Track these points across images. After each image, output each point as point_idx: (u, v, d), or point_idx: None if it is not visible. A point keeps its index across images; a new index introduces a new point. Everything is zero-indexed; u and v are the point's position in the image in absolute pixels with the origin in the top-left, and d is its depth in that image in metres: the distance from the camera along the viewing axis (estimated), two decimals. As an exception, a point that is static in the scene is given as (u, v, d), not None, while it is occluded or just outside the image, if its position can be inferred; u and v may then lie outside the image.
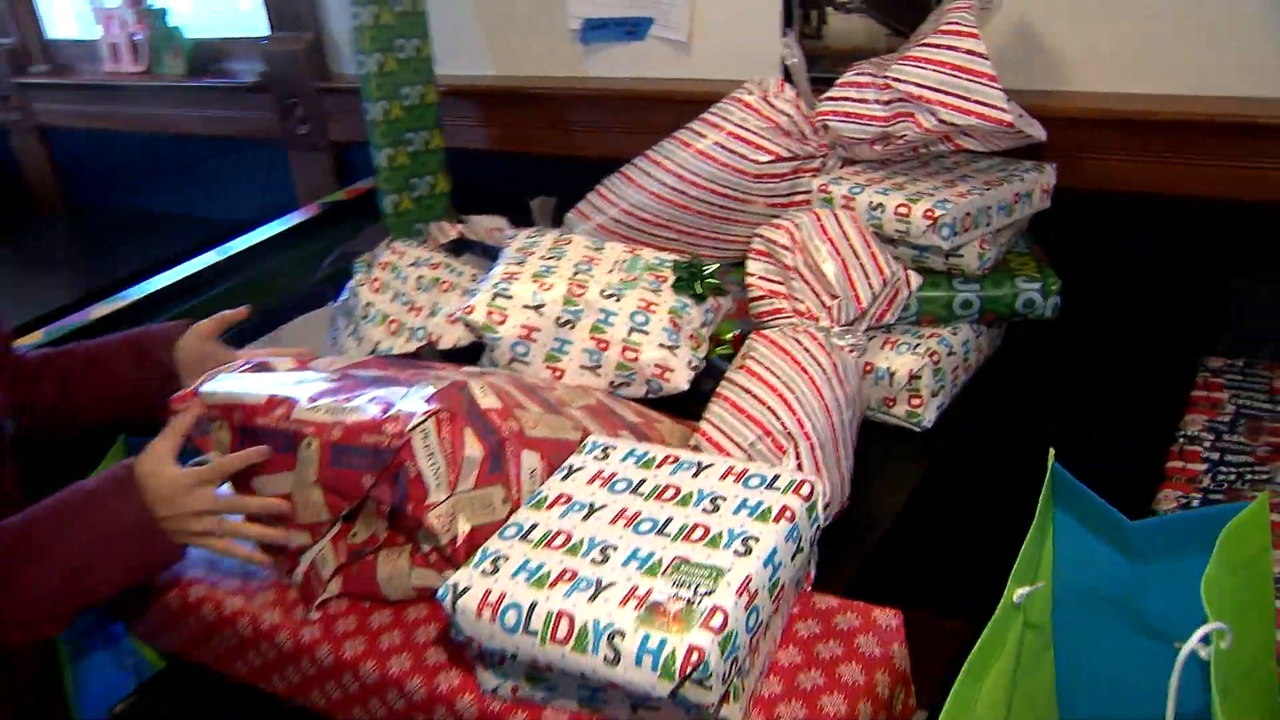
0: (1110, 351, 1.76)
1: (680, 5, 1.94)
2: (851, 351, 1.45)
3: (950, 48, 1.47)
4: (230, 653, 1.25)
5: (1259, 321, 1.71)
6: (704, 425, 1.32)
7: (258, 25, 2.57)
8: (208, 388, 1.24)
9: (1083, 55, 1.65)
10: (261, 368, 1.31)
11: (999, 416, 1.71)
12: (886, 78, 1.54)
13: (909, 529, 1.41)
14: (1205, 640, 0.83)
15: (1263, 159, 1.53)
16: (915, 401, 1.51)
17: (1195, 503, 1.42)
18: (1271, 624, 0.97)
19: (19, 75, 3.18)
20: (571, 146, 2.14)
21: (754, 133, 1.67)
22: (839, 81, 1.63)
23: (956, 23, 1.48)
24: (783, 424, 1.29)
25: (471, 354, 1.56)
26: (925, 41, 1.50)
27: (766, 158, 1.66)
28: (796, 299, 1.47)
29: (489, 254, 2.00)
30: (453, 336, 1.69)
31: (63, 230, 3.21)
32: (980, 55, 1.45)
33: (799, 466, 1.27)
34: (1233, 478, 1.46)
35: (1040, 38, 1.66)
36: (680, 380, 1.44)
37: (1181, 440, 1.53)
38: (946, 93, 1.46)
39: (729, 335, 1.59)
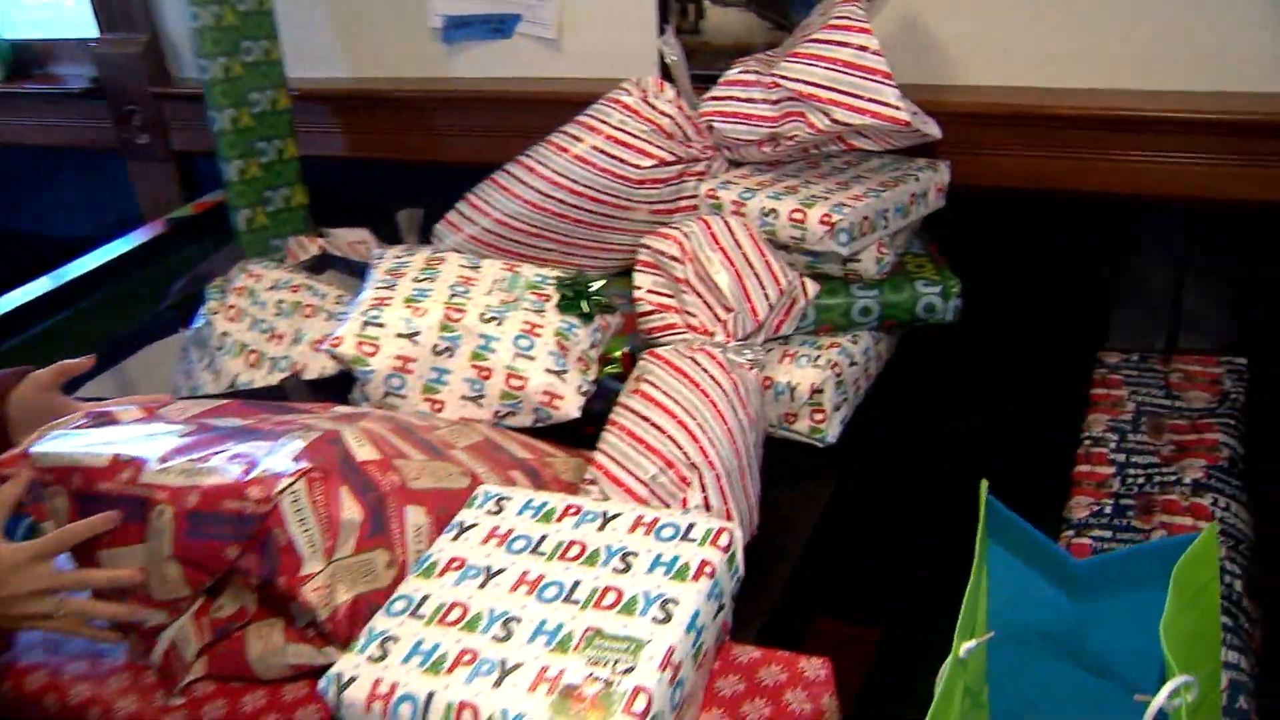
0: (1007, 348, 1.72)
1: (549, 1, 1.83)
2: (751, 369, 1.37)
3: (841, 44, 1.40)
4: (80, 745, 1.11)
5: (1150, 313, 1.69)
6: (600, 458, 1.23)
7: (85, 26, 2.37)
8: (40, 448, 1.10)
9: (972, 48, 1.59)
10: (103, 420, 1.16)
11: (901, 423, 1.65)
12: (774, 76, 1.45)
13: (821, 547, 1.34)
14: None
15: (1153, 151, 1.50)
16: (818, 416, 1.43)
17: (1108, 509, 1.38)
18: (1217, 650, 0.92)
19: None
20: (437, 152, 2.01)
21: (634, 135, 1.57)
22: (723, 80, 1.54)
23: (847, 17, 1.41)
24: (685, 454, 1.20)
25: (340, 384, 1.44)
26: (814, 37, 1.43)
27: (649, 162, 1.56)
28: (689, 313, 1.38)
29: (353, 270, 1.87)
30: (318, 365, 1.56)
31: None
32: (873, 51, 1.38)
33: (705, 498, 1.18)
34: (1141, 480, 1.42)
35: (928, 29, 1.60)
36: (570, 408, 1.34)
37: (1087, 442, 1.49)
38: (839, 91, 1.39)
39: (618, 353, 1.49)
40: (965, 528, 0.97)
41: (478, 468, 1.13)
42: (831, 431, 1.44)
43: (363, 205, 2.19)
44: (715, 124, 1.53)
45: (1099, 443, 1.49)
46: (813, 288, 1.44)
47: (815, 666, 0.99)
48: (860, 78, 1.38)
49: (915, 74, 1.61)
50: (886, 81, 1.36)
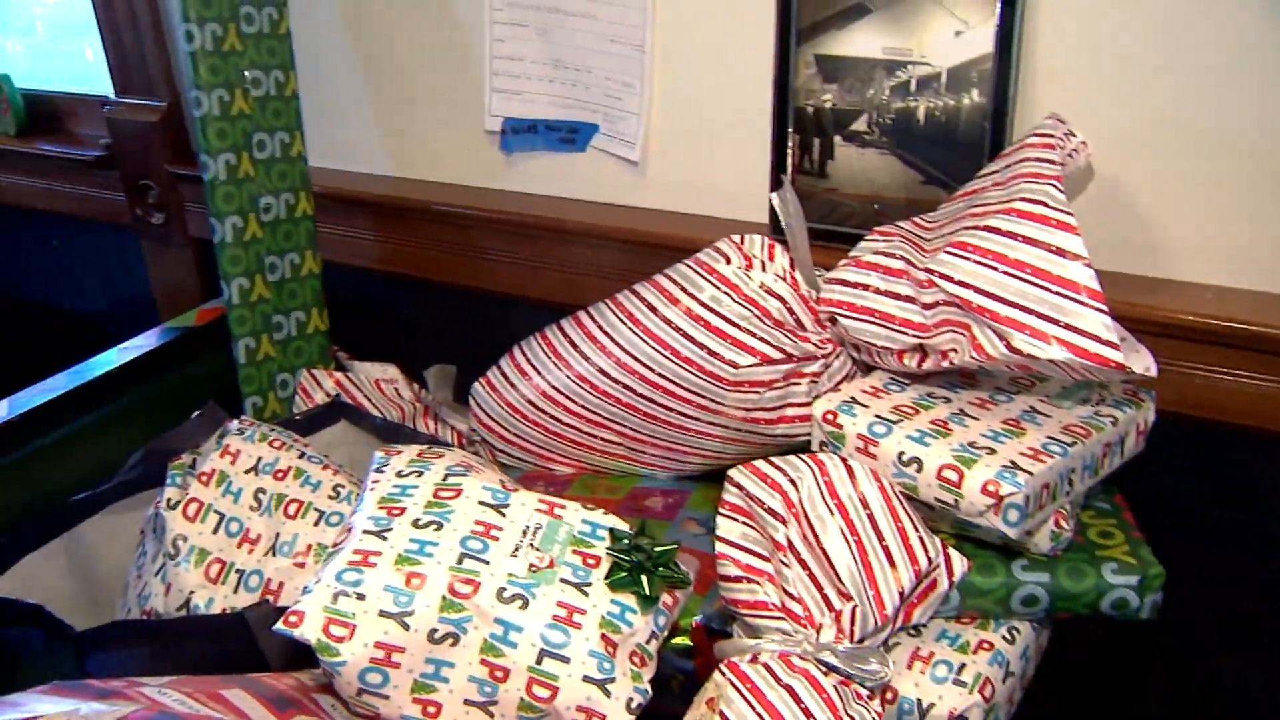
0: (1206, 643, 1.30)
1: (633, 112, 1.45)
2: (872, 698, 0.97)
3: (1030, 240, 1.00)
4: None
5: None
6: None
7: (103, 81, 2.04)
8: None
9: (1180, 237, 1.18)
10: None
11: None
12: (929, 271, 1.06)
13: None
14: None
15: None
16: (957, 755, 1.03)
17: None
18: None
19: None
20: (483, 279, 1.64)
21: (730, 321, 1.19)
22: (856, 259, 1.15)
23: (1041, 202, 1.01)
24: None
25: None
26: (991, 224, 1.03)
27: (749, 360, 1.18)
28: (788, 592, 0.99)
29: (371, 428, 1.51)
30: (297, 586, 1.20)
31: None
32: (1075, 256, 0.98)
33: None
34: None
35: (1128, 205, 1.20)
36: (614, 732, 0.95)
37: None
38: (1024, 309, 0.99)
39: (688, 621, 1.11)
40: None
41: None
42: (974, 775, 1.03)
43: (391, 326, 1.83)
44: (841, 319, 1.14)
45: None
46: (960, 565, 1.04)
47: None
48: (1056, 294, 0.98)
49: (1108, 257, 1.21)
50: (1095, 304, 0.96)
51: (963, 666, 1.04)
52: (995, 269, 1.00)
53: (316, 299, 1.63)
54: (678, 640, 1.11)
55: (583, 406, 1.30)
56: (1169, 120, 1.15)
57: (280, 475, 1.28)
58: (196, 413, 1.35)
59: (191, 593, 1.20)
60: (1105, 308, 0.96)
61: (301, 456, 1.30)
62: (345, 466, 1.34)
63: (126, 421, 1.64)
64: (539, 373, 1.34)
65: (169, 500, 1.23)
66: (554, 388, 1.32)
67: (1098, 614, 1.07)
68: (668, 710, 1.10)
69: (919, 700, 1.03)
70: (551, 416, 1.33)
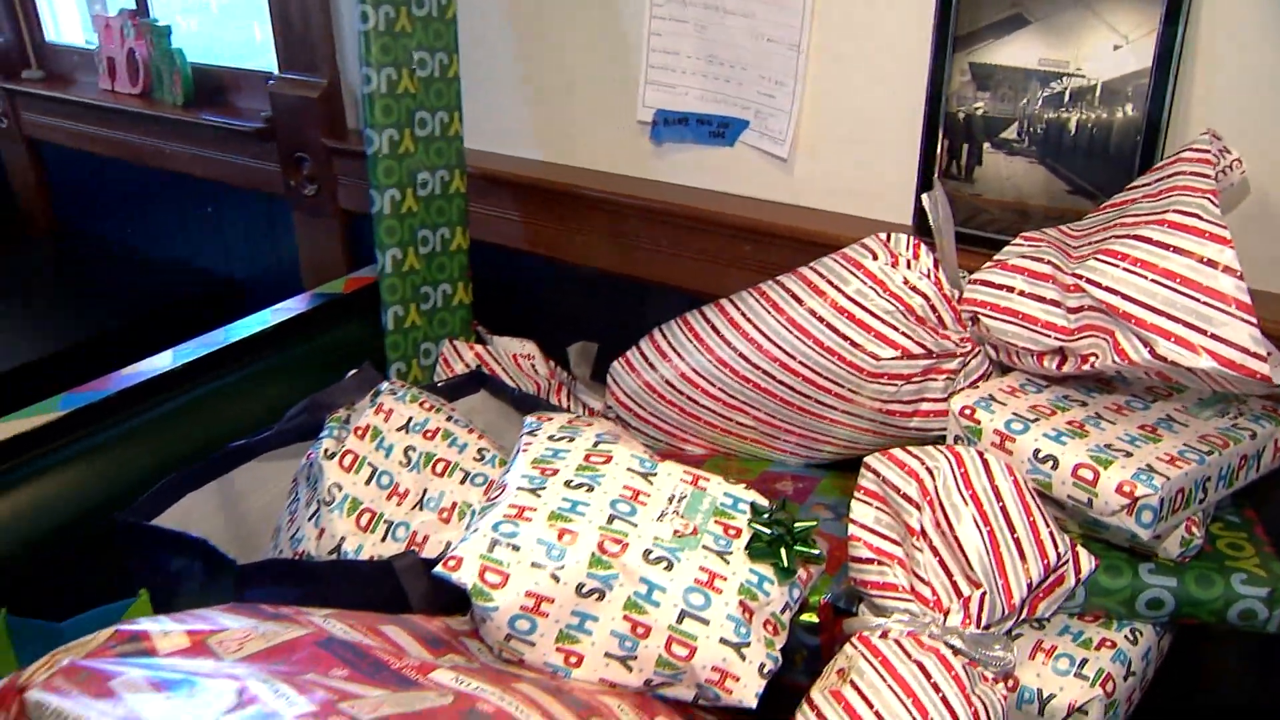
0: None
1: (783, 109, 1.50)
2: (998, 681, 1.00)
3: (1181, 250, 1.02)
4: None
5: None
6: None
7: (269, 58, 2.14)
8: (35, 695, 0.81)
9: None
10: (135, 647, 0.88)
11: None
12: (1076, 275, 1.09)
13: None
14: None
15: None
16: (1076, 745, 1.06)
17: None
18: None
19: (11, 80, 2.78)
20: (626, 264, 1.70)
21: (874, 315, 1.23)
22: (1002, 261, 1.18)
23: (1195, 214, 1.03)
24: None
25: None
26: (1141, 234, 1.05)
27: (890, 353, 1.21)
28: (919, 576, 1.03)
29: (510, 398, 1.57)
30: (440, 541, 1.27)
31: (49, 256, 2.81)
32: (1227, 269, 1.00)
33: None
34: None
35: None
36: (746, 694, 1.00)
37: None
38: (1170, 318, 1.01)
39: (817, 599, 1.15)
40: None
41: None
42: (1091, 769, 1.06)
43: (529, 305, 1.90)
44: (984, 319, 1.17)
45: None
46: (1089, 564, 1.07)
47: None
48: (1204, 304, 1.00)
49: (1260, 276, 1.22)
50: (1244, 316, 0.98)
51: (1085, 661, 1.07)
52: (1145, 277, 1.03)
53: (463, 273, 1.70)
54: (805, 617, 1.15)
55: (721, 390, 1.34)
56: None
57: (429, 435, 1.34)
58: (353, 372, 1.42)
59: (343, 539, 1.27)
60: (1254, 320, 0.98)
61: (449, 420, 1.37)
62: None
63: (275, 379, 1.73)
64: (679, 355, 1.38)
65: (326, 450, 1.31)
66: (694, 370, 1.36)
67: (1224, 623, 1.09)
68: (791, 683, 1.14)
69: (1040, 690, 1.06)
70: (688, 398, 1.38)
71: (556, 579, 1.00)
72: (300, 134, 2.06)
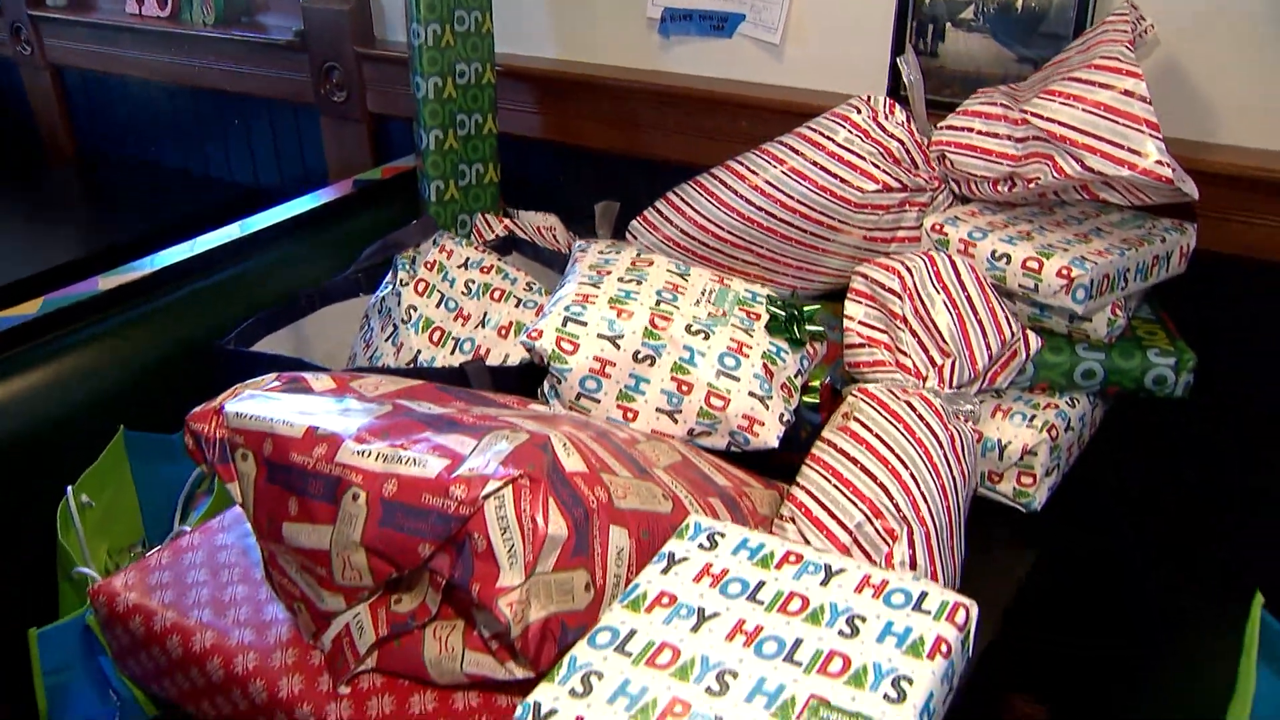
0: (1234, 435, 1.58)
1: (775, 2, 1.76)
2: (966, 421, 1.28)
3: (1105, 86, 1.29)
4: (237, 715, 1.07)
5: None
6: (799, 494, 1.15)
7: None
8: (234, 406, 1.06)
9: (1235, 105, 1.47)
10: (296, 386, 1.13)
11: (1109, 501, 1.53)
12: (1023, 112, 1.36)
13: (1017, 624, 1.25)
14: None
15: None
16: (1026, 480, 1.33)
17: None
18: None
19: (34, 7, 2.98)
20: (637, 146, 1.95)
21: (860, 156, 1.49)
22: (963, 109, 1.45)
23: (1115, 58, 1.30)
24: (895, 505, 1.12)
25: (520, 375, 1.39)
26: (1074, 75, 1.32)
27: (873, 186, 1.48)
28: (901, 351, 1.30)
29: (539, 256, 1.82)
30: (501, 352, 1.52)
31: (73, 180, 3.00)
32: (1140, 98, 1.27)
33: (911, 555, 1.10)
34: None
35: (1188, 81, 1.49)
36: (769, 436, 1.27)
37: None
38: (1097, 137, 1.28)
39: (817, 383, 1.42)
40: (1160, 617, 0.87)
41: (679, 491, 1.06)
42: (1039, 497, 1.34)
43: (551, 189, 2.14)
44: (950, 155, 1.44)
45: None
46: (1035, 342, 1.35)
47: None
48: (1123, 125, 1.27)
49: (1168, 126, 1.49)
50: (1151, 132, 1.26)
51: (1034, 416, 1.35)
52: (1076, 108, 1.30)
53: (493, 154, 1.95)
54: (808, 398, 1.42)
55: (729, 232, 1.60)
56: (1228, 9, 1.43)
57: (485, 270, 1.60)
58: (415, 220, 1.67)
59: (419, 351, 1.52)
60: (1161, 137, 1.26)
61: (500, 259, 1.62)
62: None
63: (326, 251, 1.97)
64: (692, 208, 1.64)
65: (401, 280, 1.56)
66: (706, 218, 1.62)
67: (1142, 389, 1.37)
68: (800, 459, 1.41)
69: (999, 439, 1.34)
70: (701, 243, 1.63)
71: (617, 346, 1.27)
72: (331, 44, 2.29)
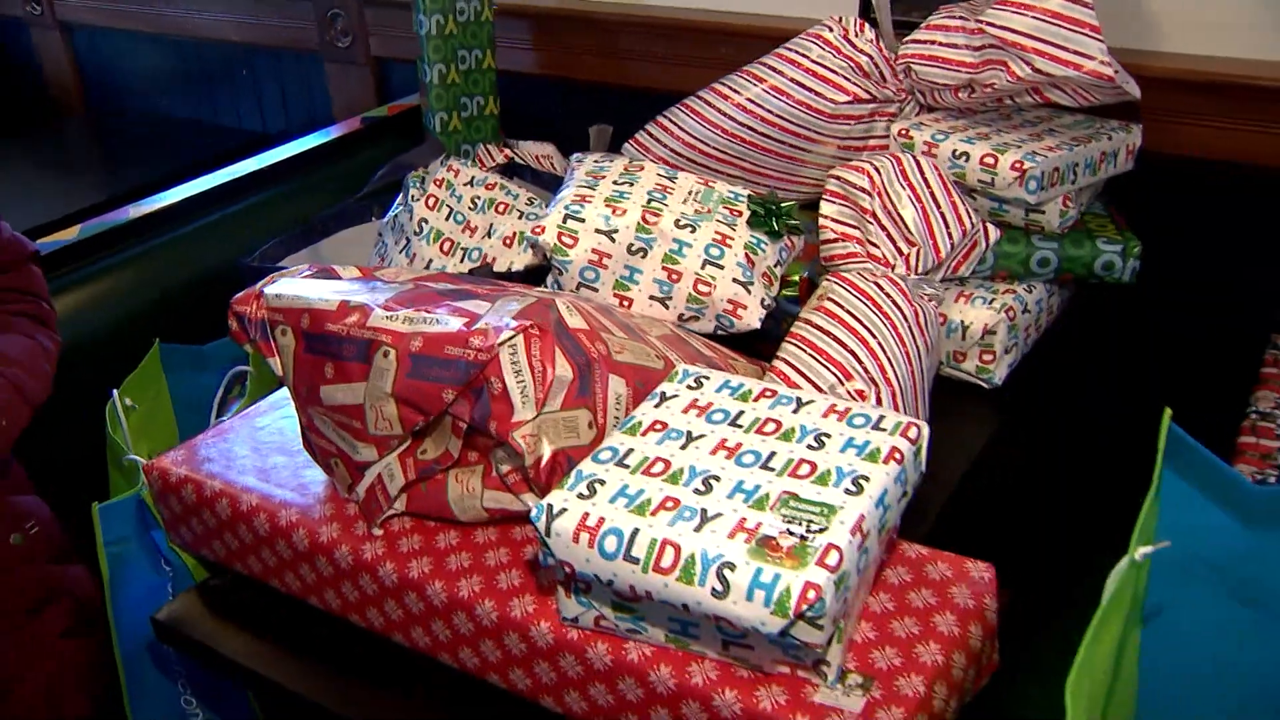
0: (1179, 320, 1.72)
1: (754, -63, 1.88)
2: (930, 301, 1.41)
3: (1053, -6, 1.42)
4: (282, 566, 1.21)
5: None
6: (779, 365, 1.29)
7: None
8: (272, 290, 1.19)
9: (1175, 13, 1.60)
10: (326, 274, 1.26)
11: (1066, 380, 1.67)
12: (980, 22, 1.48)
13: (976, 485, 1.38)
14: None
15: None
16: (987, 357, 1.47)
17: (1271, 479, 1.39)
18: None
19: (44, -33, 3.09)
20: (625, 76, 2.08)
21: (832, 71, 1.62)
22: (926, 24, 1.57)
23: (1061, -32, 1.43)
24: (864, 368, 1.25)
25: (527, 279, 1.52)
26: (1025, -14, 1.45)
27: (844, 98, 1.60)
28: (872, 244, 1.43)
29: (538, 180, 1.95)
30: (507, 260, 1.65)
31: (84, 134, 3.12)
32: (1085, 5, 1.40)
33: (878, 413, 1.23)
34: (1305, 457, 1.43)
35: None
36: (752, 318, 1.40)
37: (1254, 416, 1.50)
38: (1044, 41, 1.41)
39: (797, 277, 1.55)
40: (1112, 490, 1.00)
41: (670, 354, 1.19)
42: (999, 373, 1.47)
43: (546, 122, 2.27)
44: (914, 66, 1.57)
45: (1266, 417, 1.49)
46: (994, 233, 1.48)
47: (980, 569, 1.04)
48: (1068, 29, 1.40)
49: (1114, 36, 1.62)
50: (1094, 35, 1.39)
51: (993, 299, 1.48)
52: (1027, 15, 1.43)
53: (492, 88, 2.07)
54: (788, 291, 1.55)
55: (715, 149, 1.72)
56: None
57: (490, 186, 1.73)
58: (424, 142, 1.80)
59: (430, 261, 1.65)
60: (1103, 41, 1.39)
61: (502, 178, 1.75)
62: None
63: (337, 184, 2.10)
64: (680, 128, 1.76)
65: (412, 196, 1.69)
66: (694, 137, 1.74)
67: (1092, 276, 1.51)
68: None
69: (962, 321, 1.47)
70: (690, 160, 1.76)
71: (612, 240, 1.40)
72: (335, -9, 2.41)
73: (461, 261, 1.65)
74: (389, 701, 1.12)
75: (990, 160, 1.44)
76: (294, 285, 1.20)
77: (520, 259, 1.63)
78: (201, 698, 1.47)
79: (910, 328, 1.32)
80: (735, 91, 1.69)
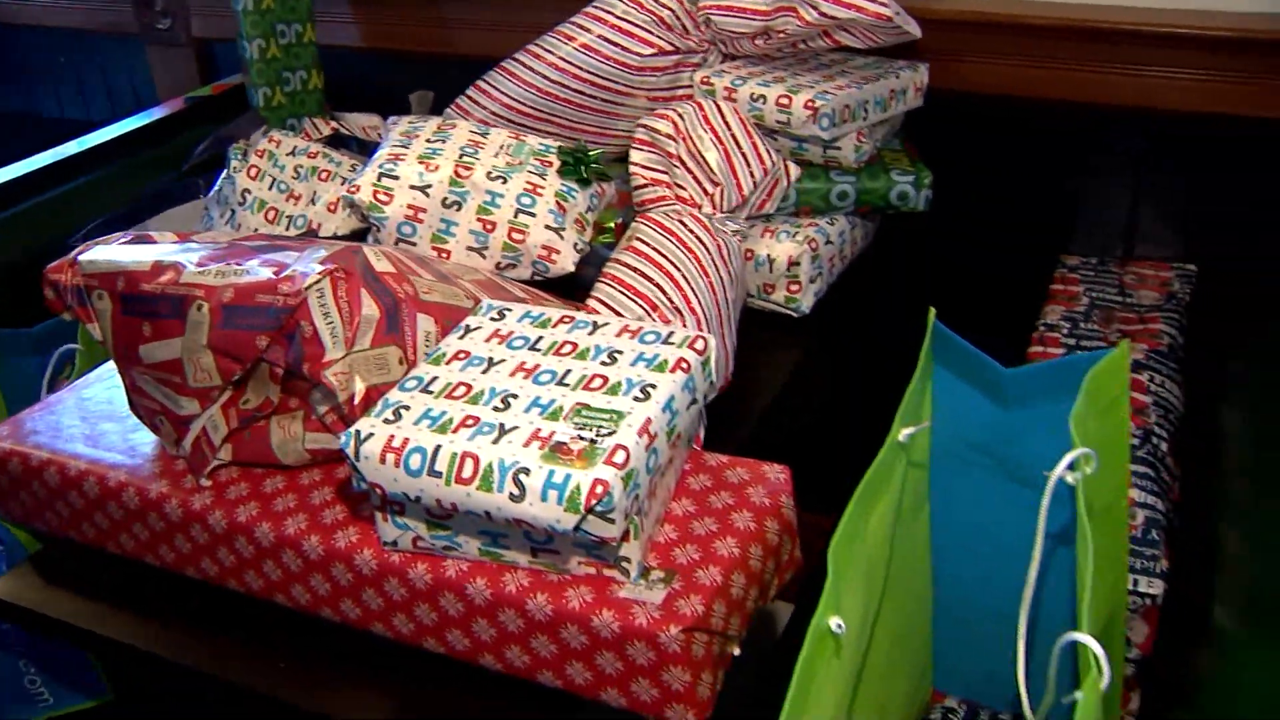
0: (973, 248, 1.83)
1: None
2: (734, 235, 1.49)
3: (833, -59, 1.51)
4: (114, 527, 1.23)
5: (1112, 222, 1.81)
6: (592, 304, 1.35)
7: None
8: (86, 256, 1.21)
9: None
10: (142, 239, 1.28)
11: (871, 306, 1.77)
12: (770, -29, 1.57)
13: (786, 406, 1.46)
14: (1072, 467, 0.89)
15: (1128, 65, 1.61)
16: (794, 288, 1.55)
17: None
18: (1126, 462, 1.04)
19: None
20: (446, 44, 2.12)
21: (637, 25, 1.68)
22: (723, -24, 1.65)
23: (839, -83, 1.51)
24: (669, 299, 1.32)
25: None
26: (809, -65, 1.54)
27: (649, 50, 1.67)
28: (679, 186, 1.50)
29: (365, 150, 1.98)
30: (332, 225, 1.68)
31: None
32: (861, -51, 1.49)
33: (685, 341, 1.30)
34: (1087, 362, 1.55)
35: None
36: (566, 262, 1.46)
37: (1042, 328, 1.61)
38: (832, -13, 1.50)
39: (611, 223, 1.61)
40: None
41: (480, 296, 1.25)
42: (805, 302, 1.56)
43: (372, 95, 2.29)
44: (713, 16, 1.64)
45: (1053, 329, 1.61)
46: (795, 170, 1.56)
47: (776, 471, 1.12)
48: (848, -27, 1.49)
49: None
50: (874, -21, 1.48)
51: (796, 233, 1.57)
52: (811, -39, 1.51)
53: (315, 62, 2.09)
54: (605, 238, 1.61)
55: (532, 107, 1.78)
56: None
57: (312, 155, 1.75)
58: (245, 113, 1.81)
59: (255, 230, 1.67)
60: (881, -18, 1.48)
61: (324, 146, 1.78)
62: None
63: (164, 165, 2.10)
64: (499, 89, 1.81)
65: (234, 167, 1.71)
66: (511, 98, 1.79)
67: (889, 206, 1.60)
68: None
69: (768, 254, 1.55)
70: (509, 121, 1.81)
71: (427, 195, 1.44)
72: (151, -27, 2.39)
73: (287, 229, 1.68)
74: (227, 648, 1.15)
75: (785, 101, 1.53)
76: (108, 251, 1.22)
77: (346, 224, 1.66)
78: (46, 673, 1.48)
79: (714, 260, 1.39)
80: (548, 51, 1.74)
